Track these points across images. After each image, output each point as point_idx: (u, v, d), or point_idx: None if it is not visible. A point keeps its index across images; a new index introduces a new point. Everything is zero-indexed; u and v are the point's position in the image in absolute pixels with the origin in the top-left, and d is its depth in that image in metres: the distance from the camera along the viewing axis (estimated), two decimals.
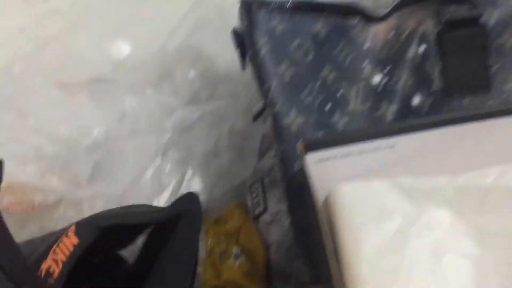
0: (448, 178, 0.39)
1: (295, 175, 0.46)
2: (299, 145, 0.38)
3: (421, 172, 0.39)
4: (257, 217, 0.63)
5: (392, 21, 0.51)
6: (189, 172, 0.63)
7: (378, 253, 0.37)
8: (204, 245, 0.64)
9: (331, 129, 0.45)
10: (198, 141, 0.63)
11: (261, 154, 0.65)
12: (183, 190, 0.63)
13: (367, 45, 0.51)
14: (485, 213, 0.38)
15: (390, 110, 0.46)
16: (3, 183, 0.34)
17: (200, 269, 0.62)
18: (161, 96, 0.63)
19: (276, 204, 0.61)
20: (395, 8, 0.51)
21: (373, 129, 0.40)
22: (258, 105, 0.67)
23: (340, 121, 0.45)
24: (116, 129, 0.61)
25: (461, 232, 0.38)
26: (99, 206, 0.61)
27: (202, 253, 0.64)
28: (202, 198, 0.63)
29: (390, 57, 0.51)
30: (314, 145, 0.39)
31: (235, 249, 0.60)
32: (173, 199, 0.63)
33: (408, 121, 0.40)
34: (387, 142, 0.39)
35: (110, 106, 0.61)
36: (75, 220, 0.60)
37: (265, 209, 0.62)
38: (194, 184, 0.63)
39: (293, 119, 0.45)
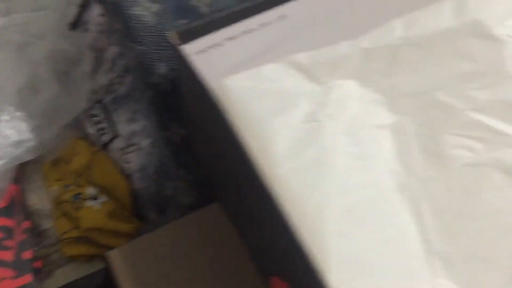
0: (349, 43, 0.33)
1: (160, 82, 0.37)
2: (172, 36, 0.29)
3: (320, 42, 0.33)
4: (105, 146, 0.53)
5: None
6: (4, 116, 0.49)
7: (292, 149, 0.31)
8: (45, 196, 0.52)
9: (194, 14, 0.36)
10: (7, 73, 0.49)
11: (93, 71, 0.54)
12: None
13: None
14: (394, 74, 0.33)
15: None
16: None
17: (48, 224, 0.51)
18: None
19: (127, 124, 0.52)
20: None
21: (254, 2, 0.32)
22: (72, 9, 0.54)
23: (201, 2, 0.36)
24: None
25: (373, 102, 0.33)
26: None
27: (45, 205, 0.52)
28: (28, 145, 0.51)
29: None
30: (191, 33, 0.30)
31: (90, 190, 0.49)
32: None
33: None
34: (272, 13, 0.32)
35: None
36: None
37: (114, 135, 0.52)
38: (12, 131, 0.49)
39: (147, 7, 0.35)
